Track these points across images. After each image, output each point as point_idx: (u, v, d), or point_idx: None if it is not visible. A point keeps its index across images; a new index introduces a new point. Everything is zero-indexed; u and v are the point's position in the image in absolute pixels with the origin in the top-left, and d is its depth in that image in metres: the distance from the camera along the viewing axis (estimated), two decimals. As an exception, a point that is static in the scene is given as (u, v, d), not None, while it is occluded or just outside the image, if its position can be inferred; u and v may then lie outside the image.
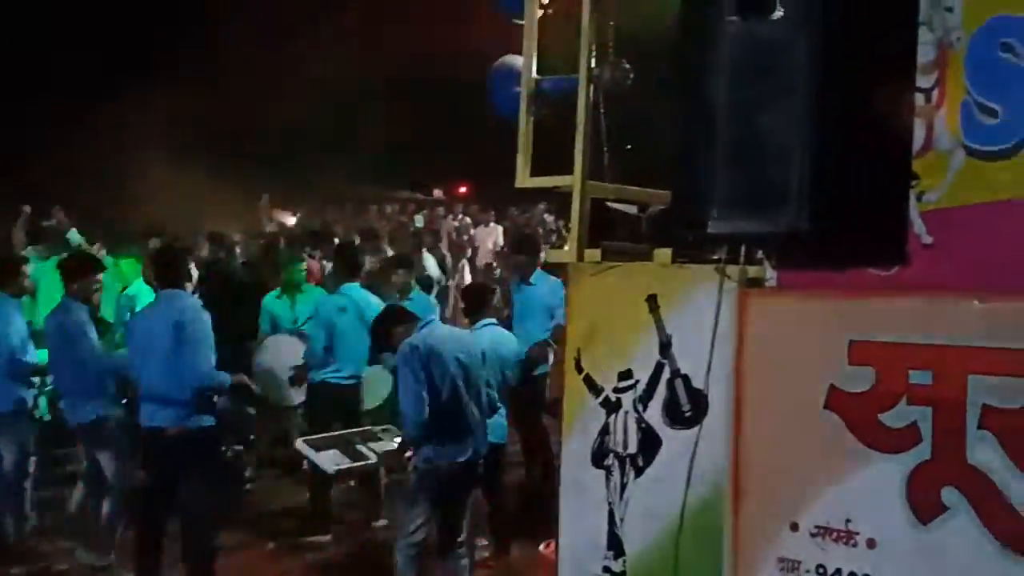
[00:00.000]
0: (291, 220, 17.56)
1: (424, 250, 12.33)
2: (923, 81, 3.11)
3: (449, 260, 12.96)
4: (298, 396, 8.05)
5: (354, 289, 7.65)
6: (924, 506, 3.06)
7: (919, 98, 3.11)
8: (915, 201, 3.10)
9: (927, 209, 3.14)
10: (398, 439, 5.83)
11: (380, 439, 6.05)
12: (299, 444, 6.26)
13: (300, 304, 8.54)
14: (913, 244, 3.02)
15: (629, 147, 4.17)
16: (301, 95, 18.88)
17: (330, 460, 5.91)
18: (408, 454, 5.59)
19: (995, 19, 3.02)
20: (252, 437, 8.84)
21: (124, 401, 6.87)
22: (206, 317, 6.02)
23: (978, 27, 3.05)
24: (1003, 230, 3.00)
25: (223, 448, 7.61)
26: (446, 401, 5.46)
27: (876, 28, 2.78)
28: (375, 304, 7.26)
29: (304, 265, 9.50)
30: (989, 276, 3.00)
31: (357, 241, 11.42)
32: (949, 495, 3.01)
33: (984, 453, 2.95)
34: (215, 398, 6.16)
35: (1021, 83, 2.97)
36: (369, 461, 6.04)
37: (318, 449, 6.02)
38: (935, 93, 3.14)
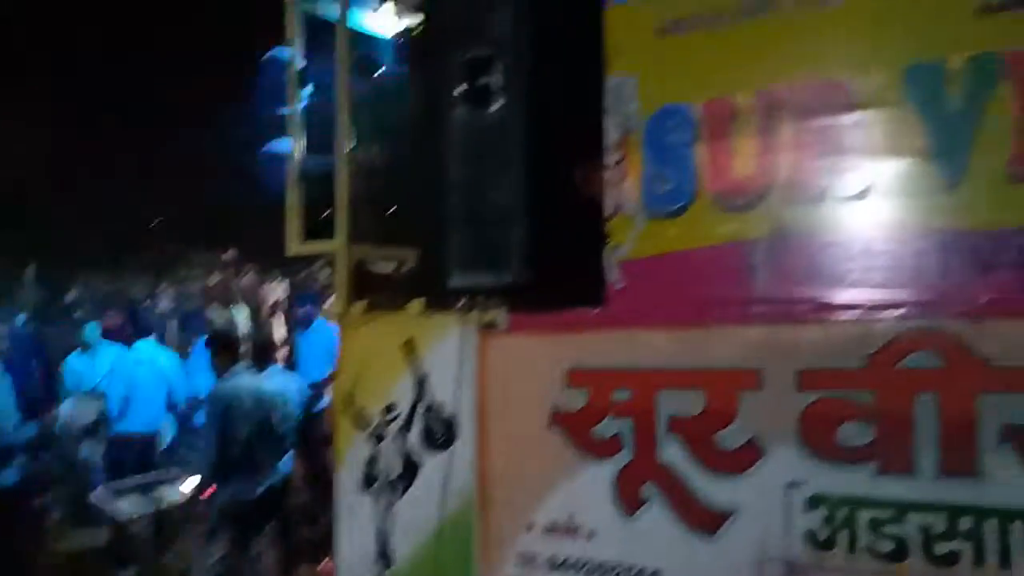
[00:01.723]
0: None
1: (237, 304, 12.05)
2: (612, 157, 3.25)
3: (247, 314, 12.54)
4: (97, 449, 7.58)
5: (149, 344, 7.36)
6: (628, 500, 3.21)
7: (610, 171, 3.24)
8: (610, 254, 3.23)
9: (620, 260, 3.26)
10: (194, 480, 5.63)
11: (176, 482, 5.82)
12: (98, 493, 5.92)
13: (99, 360, 8.08)
14: (610, 288, 3.12)
15: (393, 209, 4.21)
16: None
17: (129, 506, 5.62)
18: (206, 493, 5.42)
19: (663, 108, 3.20)
20: (54, 489, 8.21)
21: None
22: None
23: (651, 114, 3.22)
24: (677, 275, 3.17)
25: (28, 501, 7.05)
26: (243, 441, 5.35)
27: (574, 115, 2.95)
28: (168, 357, 7.01)
29: (98, 325, 8.97)
30: (669, 312, 3.18)
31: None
32: (646, 489, 3.17)
33: (671, 454, 3.13)
34: (17, 455, 5.74)
35: (685, 158, 3.15)
36: (165, 504, 5.78)
37: (117, 496, 5.72)
38: (622, 166, 3.28)
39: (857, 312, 2.87)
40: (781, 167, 3.00)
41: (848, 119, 2.88)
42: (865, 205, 2.87)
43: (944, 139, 2.73)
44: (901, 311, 2.79)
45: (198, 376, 6.43)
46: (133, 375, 7.06)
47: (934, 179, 2.75)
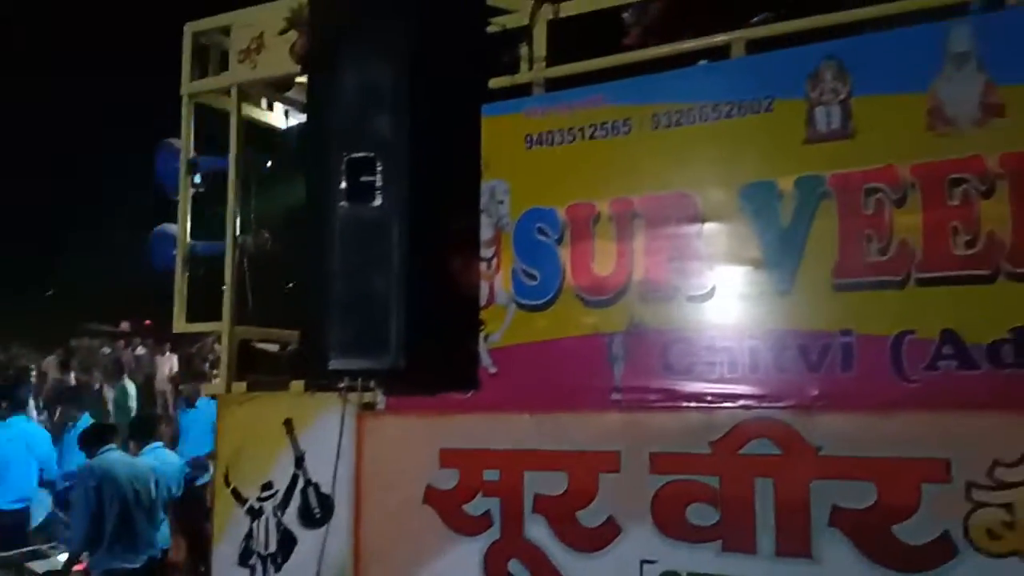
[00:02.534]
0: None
1: (126, 378, 11.54)
2: (485, 253, 3.28)
3: (133, 389, 12.02)
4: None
5: (20, 420, 6.98)
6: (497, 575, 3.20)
7: (483, 265, 3.25)
8: (483, 342, 3.21)
9: (492, 347, 3.27)
10: (64, 555, 5.31)
11: (48, 556, 5.46)
12: (-33, 570, 5.49)
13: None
14: (483, 374, 3.11)
15: (289, 285, 4.15)
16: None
17: (0, 581, 5.24)
18: (81, 566, 5.12)
19: (531, 210, 3.28)
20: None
21: None
22: None
23: (521, 215, 3.29)
24: (544, 362, 3.22)
25: None
26: (118, 516, 5.10)
27: (450, 213, 2.99)
28: (40, 433, 6.68)
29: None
30: (536, 396, 3.21)
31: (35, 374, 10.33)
32: (513, 566, 3.16)
33: (537, 532, 3.13)
34: None
35: (551, 256, 3.23)
36: (37, 578, 5.41)
37: (-11, 571, 5.32)
38: (494, 262, 3.33)
39: (703, 402, 2.96)
40: (637, 268, 3.10)
41: (694, 229, 3.01)
42: (710, 305, 2.99)
43: (777, 250, 2.88)
44: (741, 402, 2.90)
45: (75, 451, 6.10)
46: (4, 451, 6.66)
47: (769, 285, 2.89)
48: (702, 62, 3.25)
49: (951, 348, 2.62)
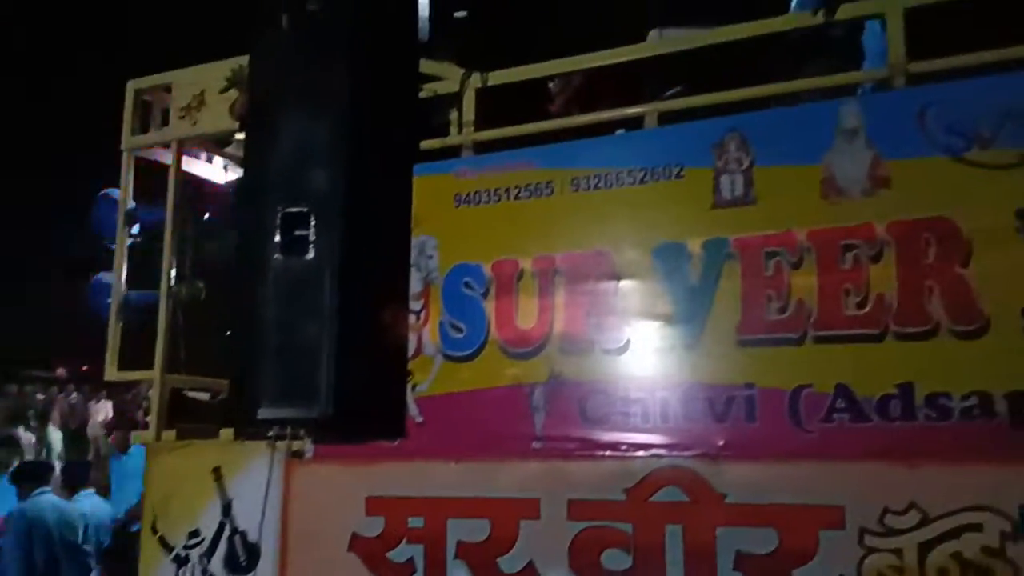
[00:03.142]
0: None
1: (51, 426, 11.08)
2: (414, 306, 3.30)
3: (58, 438, 11.55)
4: None
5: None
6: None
7: (412, 318, 3.27)
8: (411, 391, 3.22)
9: (419, 397, 3.26)
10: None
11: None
12: None
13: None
14: (410, 423, 3.09)
15: (223, 334, 4.06)
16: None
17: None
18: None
19: (459, 265, 3.30)
20: None
21: None
22: None
23: (449, 270, 3.31)
24: (468, 412, 3.21)
25: None
26: (45, 563, 4.88)
27: (381, 267, 2.97)
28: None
29: None
30: (460, 444, 3.19)
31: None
32: None
33: None
34: None
35: (477, 309, 3.24)
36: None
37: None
38: (423, 314, 3.33)
39: (618, 451, 2.97)
40: (557, 322, 3.13)
41: (611, 286, 3.06)
42: (625, 358, 3.02)
43: (686, 307, 2.94)
44: (653, 451, 2.92)
45: (4, 496, 5.83)
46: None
47: (678, 339, 2.94)
48: (619, 131, 3.34)
49: (844, 401, 2.69)
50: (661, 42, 3.39)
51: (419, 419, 3.26)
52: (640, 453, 2.93)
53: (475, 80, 3.44)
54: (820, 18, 2.97)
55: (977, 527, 2.53)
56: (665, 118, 3.16)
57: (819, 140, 2.80)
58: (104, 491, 6.62)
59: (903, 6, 2.85)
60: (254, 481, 3.44)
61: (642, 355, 3.00)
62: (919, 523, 2.58)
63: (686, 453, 2.87)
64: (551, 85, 3.64)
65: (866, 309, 2.70)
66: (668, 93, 3.31)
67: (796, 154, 2.84)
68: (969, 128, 2.63)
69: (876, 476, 2.65)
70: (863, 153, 2.75)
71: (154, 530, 3.74)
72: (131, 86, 4.01)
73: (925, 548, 2.56)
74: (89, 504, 5.80)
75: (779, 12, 3.14)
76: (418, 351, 3.31)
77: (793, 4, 3.40)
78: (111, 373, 3.94)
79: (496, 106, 3.45)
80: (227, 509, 3.59)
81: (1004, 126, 2.59)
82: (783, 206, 2.85)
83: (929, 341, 2.63)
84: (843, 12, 2.96)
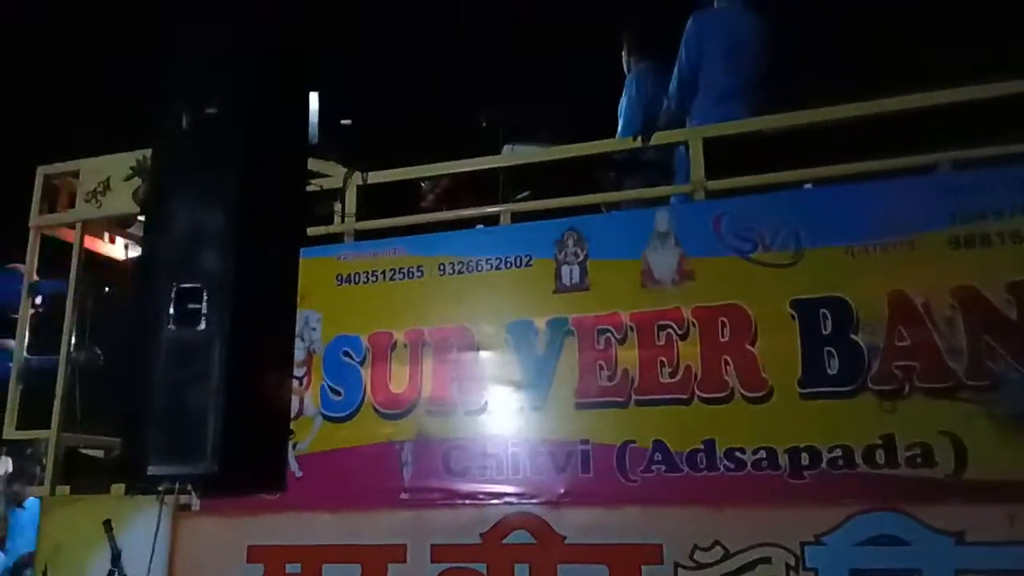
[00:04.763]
0: None
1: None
2: (298, 372, 3.27)
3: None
4: None
5: None
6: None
7: (296, 383, 3.24)
8: (292, 449, 3.16)
9: (299, 454, 3.22)
10: None
11: None
12: None
13: None
14: (290, 477, 3.05)
15: (122, 395, 3.85)
16: None
17: None
18: None
19: (339, 336, 3.31)
20: None
21: None
22: None
23: (330, 340, 3.31)
24: (344, 467, 3.18)
25: None
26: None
27: (268, 338, 2.92)
28: None
29: None
30: (335, 496, 3.15)
31: None
32: None
33: None
34: None
35: (355, 375, 3.25)
36: None
37: None
38: (305, 379, 3.30)
39: (476, 499, 3.01)
40: (425, 386, 3.17)
41: (471, 355, 3.15)
42: (483, 418, 3.09)
43: (533, 374, 3.05)
44: (505, 499, 2.97)
45: None
46: None
47: (527, 402, 3.04)
48: (479, 226, 3.48)
49: (661, 455, 2.84)
50: (513, 155, 3.59)
51: (299, 474, 3.20)
52: (494, 501, 2.98)
53: (356, 178, 3.52)
54: (639, 142, 3.24)
55: (767, 560, 2.70)
56: (516, 217, 3.34)
57: (639, 240, 3.01)
58: (1, 543, 6.08)
59: (703, 136, 3.15)
60: (143, 532, 3.26)
61: (497, 415, 3.07)
62: (722, 557, 2.73)
63: (533, 500, 2.94)
64: (423, 185, 3.76)
65: (677, 378, 2.88)
66: (518, 196, 3.49)
67: (621, 250, 3.03)
68: (754, 234, 2.90)
69: (687, 518, 2.79)
70: (673, 251, 2.97)
71: (43, 580, 3.47)
72: (41, 171, 3.87)
73: (727, 578, 2.69)
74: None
75: (609, 135, 3.39)
76: (300, 412, 3.27)
77: (619, 129, 3.69)
78: (9, 432, 3.71)
79: (375, 200, 3.53)
80: (116, 559, 3.39)
81: (780, 233, 2.88)
82: (611, 292, 3.02)
83: (727, 405, 2.83)
84: (657, 139, 3.24)
